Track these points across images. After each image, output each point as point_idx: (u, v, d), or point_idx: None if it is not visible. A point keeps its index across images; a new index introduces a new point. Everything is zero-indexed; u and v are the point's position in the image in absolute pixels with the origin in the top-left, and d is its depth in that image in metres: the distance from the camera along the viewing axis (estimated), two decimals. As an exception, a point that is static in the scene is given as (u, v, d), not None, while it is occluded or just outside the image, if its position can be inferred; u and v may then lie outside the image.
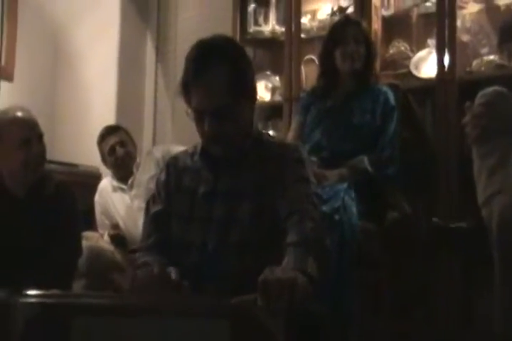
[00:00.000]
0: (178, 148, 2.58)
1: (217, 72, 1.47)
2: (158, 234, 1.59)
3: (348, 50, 2.51)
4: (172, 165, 1.65)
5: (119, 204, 3.18)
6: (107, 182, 3.28)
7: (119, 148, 3.14)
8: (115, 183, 3.21)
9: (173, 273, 1.41)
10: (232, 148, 1.54)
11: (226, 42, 1.58)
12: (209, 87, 1.48)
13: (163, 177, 1.65)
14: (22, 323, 1.12)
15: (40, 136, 2.08)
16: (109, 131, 3.22)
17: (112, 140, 3.16)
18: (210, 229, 1.52)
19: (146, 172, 3.08)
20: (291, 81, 3.26)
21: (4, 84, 3.77)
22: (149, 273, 1.41)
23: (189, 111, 1.53)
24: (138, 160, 3.21)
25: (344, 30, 2.55)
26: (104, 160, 3.23)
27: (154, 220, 1.62)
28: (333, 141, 2.48)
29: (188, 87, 1.51)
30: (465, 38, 2.94)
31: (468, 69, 2.88)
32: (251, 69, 1.58)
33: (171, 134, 4.08)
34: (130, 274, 1.57)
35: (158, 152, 3.15)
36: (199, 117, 1.50)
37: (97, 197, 3.26)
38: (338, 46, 2.54)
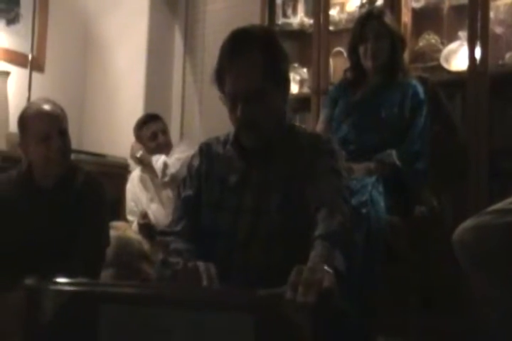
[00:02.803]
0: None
1: (252, 57, 1.48)
2: (188, 218, 1.58)
3: (368, 47, 2.50)
4: (204, 152, 1.64)
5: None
6: (139, 171, 3.32)
7: (161, 135, 3.21)
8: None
9: (212, 271, 1.34)
10: (263, 136, 1.53)
11: (263, 31, 1.59)
12: (243, 71, 1.48)
13: (196, 162, 1.64)
14: (51, 310, 1.14)
15: (62, 131, 2.05)
16: (151, 118, 3.28)
17: (154, 126, 3.22)
18: (240, 219, 1.52)
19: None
20: (320, 73, 3.24)
21: (36, 74, 3.81)
22: (191, 269, 1.34)
23: (222, 97, 1.53)
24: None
25: (365, 26, 2.53)
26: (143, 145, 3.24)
27: (185, 204, 1.61)
28: (361, 135, 2.47)
29: (222, 72, 1.51)
30: (498, 30, 2.89)
31: (500, 62, 2.84)
32: (286, 60, 1.57)
33: (198, 124, 4.10)
34: (158, 258, 1.56)
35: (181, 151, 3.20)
36: (232, 103, 1.50)
37: (129, 185, 3.33)
38: (360, 43, 2.53)
